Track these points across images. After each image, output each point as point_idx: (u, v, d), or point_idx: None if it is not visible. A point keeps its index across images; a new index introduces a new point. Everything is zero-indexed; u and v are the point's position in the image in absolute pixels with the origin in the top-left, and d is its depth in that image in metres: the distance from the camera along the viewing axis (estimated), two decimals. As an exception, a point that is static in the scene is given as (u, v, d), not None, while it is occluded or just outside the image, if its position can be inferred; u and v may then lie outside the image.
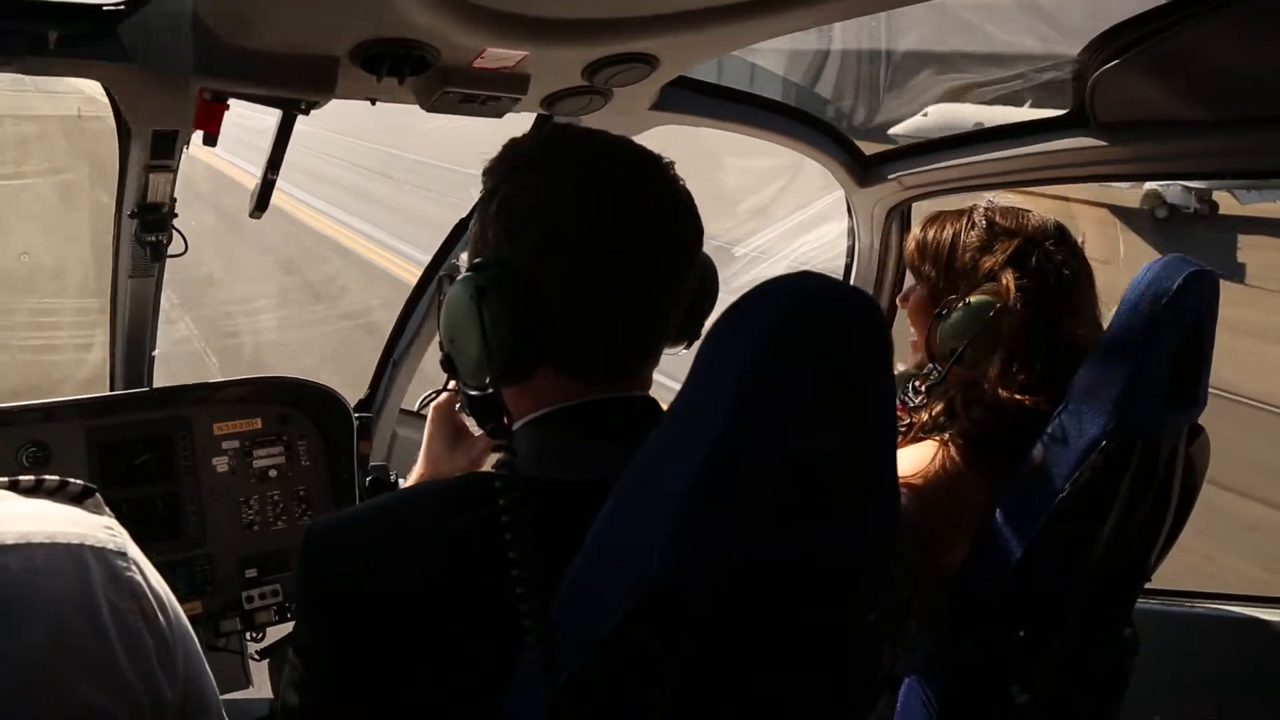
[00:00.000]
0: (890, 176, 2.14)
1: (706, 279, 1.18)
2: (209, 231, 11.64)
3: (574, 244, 0.94)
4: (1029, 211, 1.55)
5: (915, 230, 1.63)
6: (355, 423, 2.24)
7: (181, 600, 2.16)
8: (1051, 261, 1.49)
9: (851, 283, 2.44)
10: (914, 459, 1.49)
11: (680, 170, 1.02)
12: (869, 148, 2.24)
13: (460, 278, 0.97)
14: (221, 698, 2.34)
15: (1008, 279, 1.46)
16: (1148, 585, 1.69)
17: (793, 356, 0.75)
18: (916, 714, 1.54)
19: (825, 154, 2.11)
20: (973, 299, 1.47)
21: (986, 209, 1.54)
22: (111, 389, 2.24)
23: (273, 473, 2.19)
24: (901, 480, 1.44)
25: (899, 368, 1.70)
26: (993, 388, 1.45)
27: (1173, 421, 1.45)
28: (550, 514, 0.85)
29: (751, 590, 0.82)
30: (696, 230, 1.02)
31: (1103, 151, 1.76)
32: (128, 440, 2.06)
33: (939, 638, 1.50)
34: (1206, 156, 1.70)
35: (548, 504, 0.87)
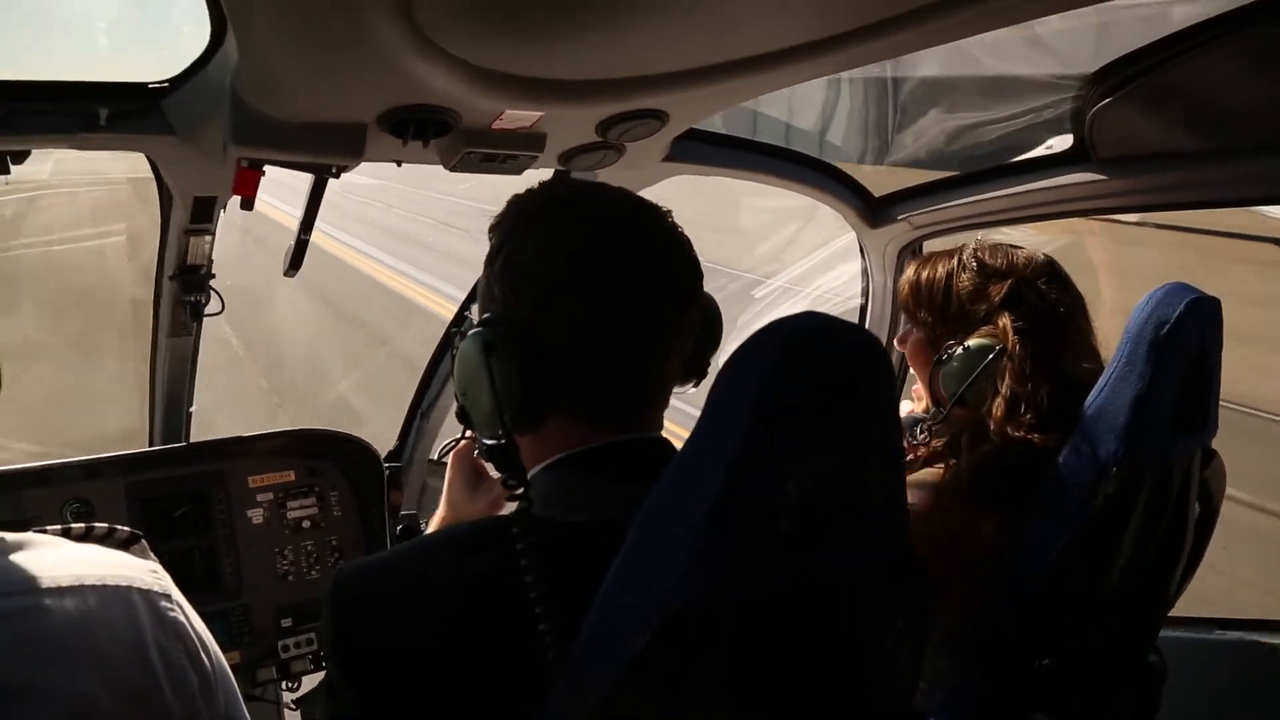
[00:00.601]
0: (900, 217, 2.19)
1: (710, 317, 1.22)
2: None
3: (575, 292, 0.98)
4: (1019, 249, 1.58)
5: (908, 273, 1.65)
6: (385, 473, 2.30)
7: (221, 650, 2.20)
8: (1046, 300, 1.51)
9: (867, 322, 2.49)
10: (915, 486, 1.51)
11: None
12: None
13: (470, 333, 1.01)
14: (258, 750, 2.36)
15: (1004, 321, 1.49)
16: (1176, 614, 1.68)
17: (795, 392, 0.79)
18: (943, 748, 1.54)
19: (834, 197, 2.17)
20: (971, 343, 1.50)
21: (976, 249, 1.58)
22: (150, 445, 2.31)
23: (306, 523, 2.24)
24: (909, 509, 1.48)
25: (906, 409, 1.73)
26: (999, 428, 1.46)
27: (1183, 447, 1.47)
28: (565, 554, 0.90)
29: (768, 617, 0.85)
30: (695, 270, 1.06)
31: (1104, 185, 1.81)
32: (166, 495, 2.13)
33: (961, 670, 1.51)
34: (1206, 187, 1.74)
35: (563, 545, 0.91)
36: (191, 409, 2.33)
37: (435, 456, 2.58)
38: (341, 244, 14.48)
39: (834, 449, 0.84)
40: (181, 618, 0.91)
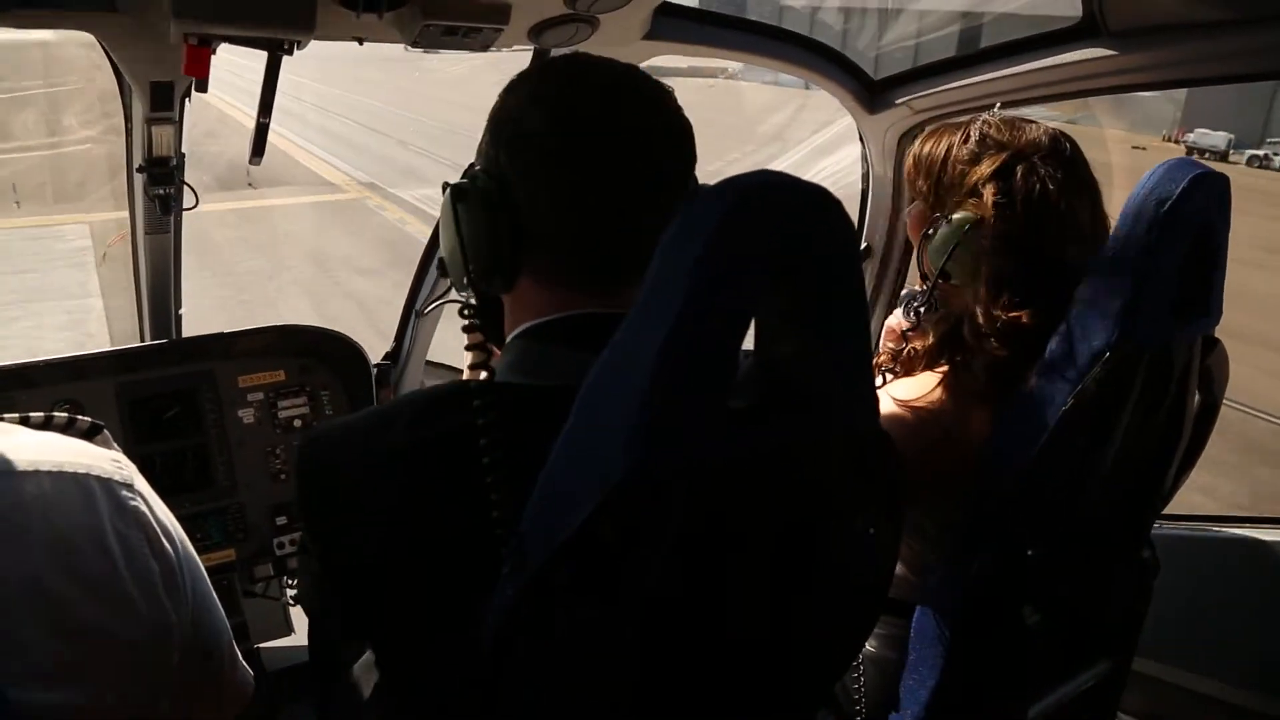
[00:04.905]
0: (899, 101, 2.08)
1: None
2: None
3: (551, 147, 0.94)
4: (1030, 123, 1.49)
5: (915, 144, 1.58)
6: (374, 371, 2.29)
7: (215, 548, 2.21)
8: (1036, 175, 1.43)
9: (868, 214, 2.40)
10: (917, 384, 1.47)
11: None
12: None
13: (453, 184, 0.99)
14: (264, 645, 2.41)
15: (987, 194, 1.42)
16: (1173, 512, 1.65)
17: (742, 249, 0.74)
18: (929, 640, 1.53)
19: (830, 79, 2.06)
20: (955, 216, 1.45)
21: (985, 122, 1.49)
22: None
23: (297, 422, 2.24)
24: (904, 403, 1.44)
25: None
26: (985, 308, 1.41)
27: (1183, 333, 1.40)
28: (526, 420, 0.88)
29: (722, 491, 0.81)
30: (683, 144, 1.01)
31: (1116, 61, 1.70)
32: (156, 395, 2.13)
33: (949, 560, 1.49)
34: (1225, 59, 1.62)
35: (525, 410, 0.90)
36: (181, 311, 2.31)
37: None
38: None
39: (789, 314, 0.80)
40: (143, 506, 0.89)
